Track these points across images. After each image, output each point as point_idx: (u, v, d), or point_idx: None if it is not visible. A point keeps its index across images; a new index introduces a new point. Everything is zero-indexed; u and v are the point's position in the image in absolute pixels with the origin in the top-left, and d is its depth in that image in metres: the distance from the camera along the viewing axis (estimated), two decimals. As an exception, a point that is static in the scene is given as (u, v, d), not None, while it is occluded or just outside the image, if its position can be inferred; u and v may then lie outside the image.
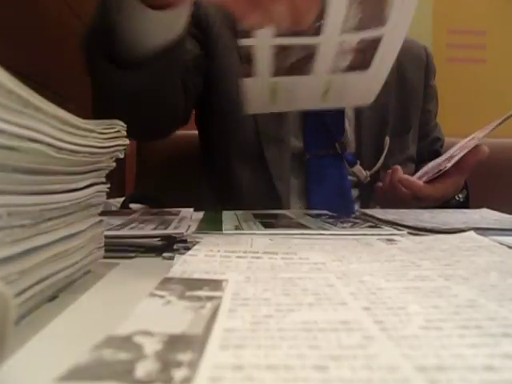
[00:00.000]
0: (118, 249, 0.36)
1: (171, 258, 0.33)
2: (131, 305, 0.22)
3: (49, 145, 0.20)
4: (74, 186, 0.25)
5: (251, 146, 0.79)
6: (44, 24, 0.75)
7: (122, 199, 0.76)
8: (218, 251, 0.32)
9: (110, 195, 0.92)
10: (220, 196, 0.82)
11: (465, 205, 0.80)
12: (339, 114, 0.84)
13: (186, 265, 0.27)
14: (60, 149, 0.21)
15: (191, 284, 0.23)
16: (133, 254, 0.36)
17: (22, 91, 0.17)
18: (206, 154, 0.88)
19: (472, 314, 0.18)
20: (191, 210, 0.57)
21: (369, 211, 0.61)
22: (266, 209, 0.64)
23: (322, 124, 0.82)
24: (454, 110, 1.14)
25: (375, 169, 0.83)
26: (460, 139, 0.73)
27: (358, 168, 0.82)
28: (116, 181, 1.10)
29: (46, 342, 0.19)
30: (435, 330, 0.17)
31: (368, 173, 0.83)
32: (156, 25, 0.49)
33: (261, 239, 0.37)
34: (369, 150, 0.84)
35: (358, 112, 0.84)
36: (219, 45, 0.80)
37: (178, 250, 0.36)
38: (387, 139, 0.84)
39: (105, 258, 0.35)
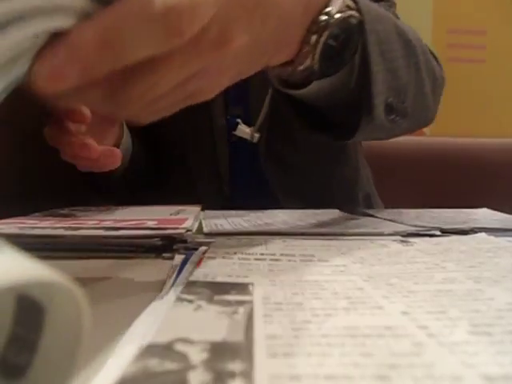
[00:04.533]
0: (118, 249, 0.35)
1: (171, 258, 0.32)
2: (131, 305, 0.21)
3: None
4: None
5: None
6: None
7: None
8: (235, 253, 0.31)
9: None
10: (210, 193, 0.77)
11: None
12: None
13: (207, 268, 0.27)
14: None
15: (217, 287, 0.23)
16: (133, 254, 0.35)
17: None
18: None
19: (515, 317, 0.18)
20: (198, 208, 0.56)
21: (369, 211, 0.60)
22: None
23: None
24: (453, 110, 1.15)
25: (261, 119, 0.62)
26: (460, 139, 0.73)
27: (239, 129, 0.63)
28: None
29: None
30: (485, 335, 0.16)
31: (253, 129, 0.62)
32: None
33: (274, 241, 0.36)
34: (256, 98, 0.64)
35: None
36: None
37: (177, 250, 0.35)
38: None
39: (105, 258, 0.34)
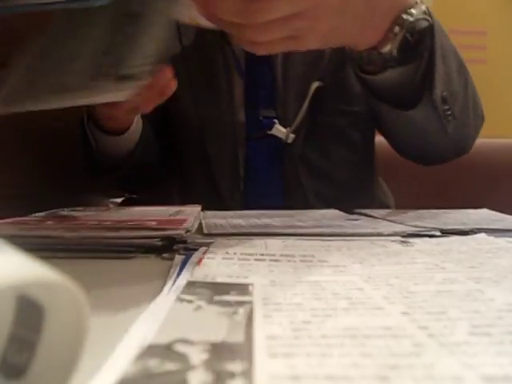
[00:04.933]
0: (118, 249, 0.35)
1: (171, 259, 0.32)
2: (131, 305, 0.21)
3: None
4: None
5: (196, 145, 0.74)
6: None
7: (120, 199, 0.75)
8: (235, 254, 0.31)
9: (109, 195, 0.91)
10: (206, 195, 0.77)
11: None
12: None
13: (207, 268, 0.27)
14: None
15: (217, 288, 0.23)
16: (133, 254, 0.35)
17: None
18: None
19: (515, 318, 0.18)
20: (198, 208, 0.56)
21: (368, 211, 0.60)
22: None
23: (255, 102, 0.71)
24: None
25: (298, 121, 0.68)
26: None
27: (276, 128, 0.67)
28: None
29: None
30: (485, 335, 0.16)
31: (289, 129, 0.67)
32: (118, 143, 0.64)
33: (274, 241, 0.36)
34: (292, 100, 0.69)
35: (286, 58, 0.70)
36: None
37: (177, 250, 0.35)
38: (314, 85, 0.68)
39: (105, 258, 0.34)
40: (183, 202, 0.72)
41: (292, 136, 0.67)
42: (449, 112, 0.53)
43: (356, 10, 0.41)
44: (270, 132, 0.68)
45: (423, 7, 0.47)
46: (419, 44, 0.47)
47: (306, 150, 0.71)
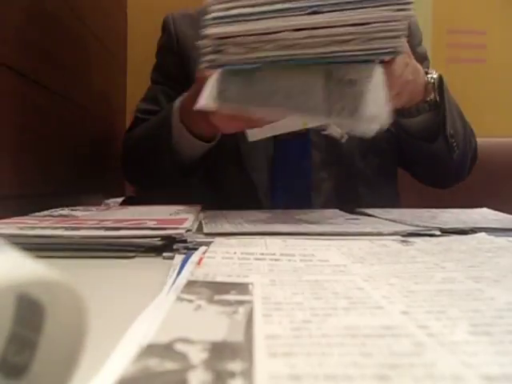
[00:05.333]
0: (118, 249, 0.35)
1: (171, 258, 0.32)
2: (131, 305, 0.21)
3: None
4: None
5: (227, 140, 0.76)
6: (46, 26, 0.74)
7: (120, 199, 0.75)
8: (235, 253, 0.31)
9: (109, 195, 0.91)
10: (208, 195, 0.80)
11: (438, 113, 0.69)
12: None
13: (207, 267, 0.27)
14: None
15: (217, 287, 0.23)
16: (133, 254, 0.35)
17: None
18: None
19: (515, 317, 0.18)
20: (198, 208, 0.56)
21: (368, 211, 0.60)
22: (245, 203, 0.62)
23: None
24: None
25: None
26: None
27: (332, 128, 0.71)
28: (116, 181, 1.09)
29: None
30: (485, 335, 0.16)
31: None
32: (202, 149, 0.71)
33: (274, 241, 0.36)
34: None
35: None
36: (192, 61, 0.80)
37: (177, 249, 0.35)
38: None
39: (105, 258, 0.34)
40: (215, 201, 0.74)
41: (346, 136, 0.72)
42: (454, 144, 0.71)
43: (412, 85, 0.61)
44: (325, 132, 0.72)
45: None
46: (443, 92, 0.68)
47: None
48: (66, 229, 0.39)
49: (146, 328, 0.18)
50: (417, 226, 0.45)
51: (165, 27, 0.89)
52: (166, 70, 0.86)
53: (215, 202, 0.69)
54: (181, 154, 0.71)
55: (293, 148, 0.80)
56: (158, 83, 0.87)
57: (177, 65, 0.85)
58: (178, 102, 0.69)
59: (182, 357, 0.14)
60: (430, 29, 1.30)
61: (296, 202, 0.74)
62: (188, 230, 0.40)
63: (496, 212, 0.61)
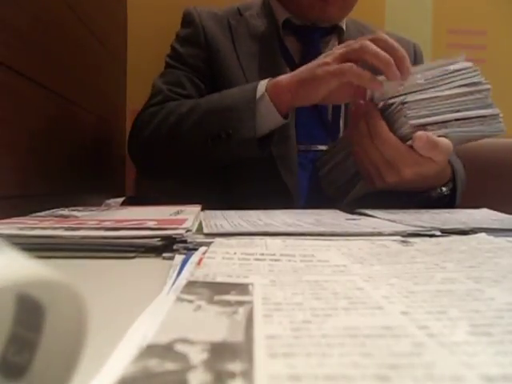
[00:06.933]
0: (118, 249, 0.35)
1: (171, 258, 0.32)
2: (131, 305, 0.21)
3: None
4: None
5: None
6: (46, 25, 0.74)
7: (120, 199, 0.75)
8: (235, 253, 0.31)
9: (110, 195, 0.91)
10: (226, 196, 0.81)
11: (450, 201, 0.74)
12: (336, 109, 0.84)
13: (207, 268, 0.27)
14: None
15: (217, 288, 0.23)
16: (133, 254, 0.35)
17: None
18: None
19: (515, 318, 0.18)
20: (198, 208, 0.56)
21: (369, 211, 0.60)
22: (276, 206, 0.63)
23: (316, 119, 0.82)
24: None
25: None
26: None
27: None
28: (116, 181, 1.09)
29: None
30: (485, 335, 0.16)
31: None
32: (275, 123, 0.73)
33: (274, 241, 0.36)
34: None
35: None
36: (221, 56, 0.84)
37: (177, 250, 0.35)
38: None
39: (105, 258, 0.34)
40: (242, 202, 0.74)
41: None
42: (458, 198, 0.77)
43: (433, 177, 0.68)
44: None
45: None
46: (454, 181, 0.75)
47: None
48: (66, 229, 0.39)
49: (145, 328, 0.18)
50: (417, 226, 0.45)
51: (189, 19, 0.89)
52: (189, 62, 0.86)
53: (229, 202, 0.69)
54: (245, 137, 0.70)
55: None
56: (177, 69, 0.87)
57: (203, 59, 0.85)
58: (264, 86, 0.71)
59: (182, 357, 0.14)
60: (430, 29, 1.31)
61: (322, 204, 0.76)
62: (188, 231, 0.40)
63: (496, 212, 0.61)
